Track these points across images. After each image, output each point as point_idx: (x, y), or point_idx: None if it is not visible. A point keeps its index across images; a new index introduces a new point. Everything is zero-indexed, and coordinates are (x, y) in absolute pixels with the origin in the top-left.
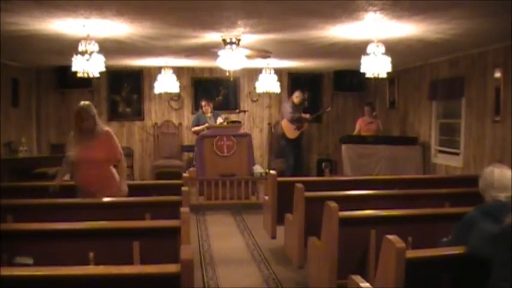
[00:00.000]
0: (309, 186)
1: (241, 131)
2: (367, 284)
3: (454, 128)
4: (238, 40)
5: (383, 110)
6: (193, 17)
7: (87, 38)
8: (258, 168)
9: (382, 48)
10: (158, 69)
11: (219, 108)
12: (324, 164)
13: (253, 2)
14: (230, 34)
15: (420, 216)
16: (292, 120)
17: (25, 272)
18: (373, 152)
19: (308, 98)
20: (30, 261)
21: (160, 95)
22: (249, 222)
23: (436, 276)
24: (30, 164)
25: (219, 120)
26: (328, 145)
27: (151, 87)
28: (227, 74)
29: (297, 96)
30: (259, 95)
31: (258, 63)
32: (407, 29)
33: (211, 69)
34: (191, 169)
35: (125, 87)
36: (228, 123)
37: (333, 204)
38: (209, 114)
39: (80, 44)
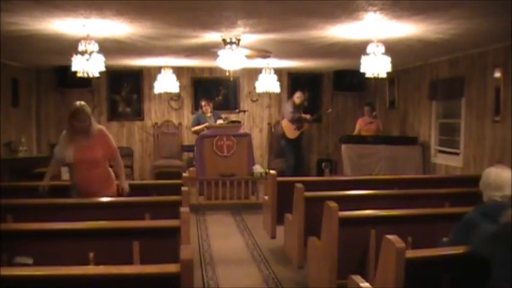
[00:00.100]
0: (309, 186)
1: (241, 130)
2: (367, 284)
3: (454, 128)
4: (238, 40)
5: (383, 110)
6: (193, 17)
7: (87, 38)
8: (257, 168)
9: (382, 48)
10: (158, 69)
11: (218, 108)
12: (323, 164)
13: (253, 2)
14: (230, 34)
15: (420, 216)
16: (292, 120)
17: (25, 272)
18: (373, 152)
19: (308, 98)
20: (30, 261)
21: (160, 94)
22: (249, 222)
23: (436, 276)
24: (30, 164)
25: (219, 121)
26: (328, 145)
27: (151, 87)
28: (227, 73)
29: (298, 97)
30: (259, 95)
31: (257, 63)
32: (407, 29)
33: (211, 69)
34: (191, 169)
35: (125, 87)
36: (227, 123)
37: (332, 204)
38: (209, 114)
39: (79, 44)
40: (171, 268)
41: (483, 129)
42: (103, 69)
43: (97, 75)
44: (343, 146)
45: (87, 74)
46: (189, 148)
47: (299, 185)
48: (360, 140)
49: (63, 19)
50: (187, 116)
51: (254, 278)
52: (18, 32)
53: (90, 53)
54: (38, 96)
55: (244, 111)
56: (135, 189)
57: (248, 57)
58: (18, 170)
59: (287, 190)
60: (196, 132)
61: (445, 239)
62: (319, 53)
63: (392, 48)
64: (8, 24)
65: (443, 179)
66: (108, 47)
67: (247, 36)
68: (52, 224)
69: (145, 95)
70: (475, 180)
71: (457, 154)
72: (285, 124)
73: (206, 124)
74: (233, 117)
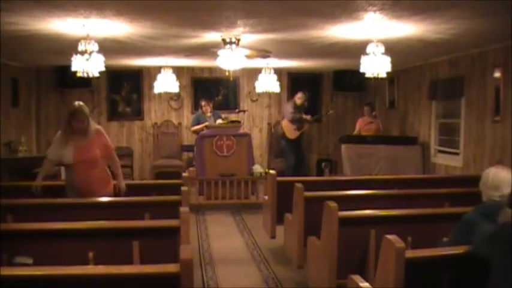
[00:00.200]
0: (309, 186)
1: (241, 130)
2: (367, 284)
3: (454, 127)
4: (238, 40)
5: (383, 110)
6: (193, 17)
7: (86, 38)
8: (257, 168)
9: (382, 48)
10: (158, 69)
11: (218, 108)
12: (323, 163)
13: (253, 2)
14: (230, 34)
15: (420, 216)
16: (292, 121)
17: (25, 271)
18: (372, 151)
19: (308, 98)
20: (29, 261)
21: (160, 94)
22: (249, 222)
23: (436, 276)
24: (30, 164)
25: (219, 121)
26: (328, 145)
27: (151, 87)
28: (227, 73)
29: (299, 98)
30: (259, 94)
31: (257, 63)
32: (407, 28)
33: (210, 69)
34: (191, 169)
35: (125, 87)
36: (227, 123)
37: (332, 204)
38: (209, 114)
39: (79, 44)
40: (171, 268)
41: (483, 129)
42: (103, 69)
43: (97, 75)
44: (343, 146)
45: (87, 73)
46: (189, 148)
47: (299, 185)
48: (360, 140)
49: (63, 19)
50: (187, 116)
51: (254, 277)
52: (18, 32)
53: (90, 53)
54: (38, 96)
55: (244, 111)
56: (134, 189)
57: (248, 57)
58: (18, 170)
59: (287, 190)
60: (196, 132)
61: (445, 239)
62: (319, 53)
63: (392, 48)
64: (8, 24)
65: (443, 179)
66: (108, 47)
67: (247, 36)
68: (52, 223)
69: (145, 95)
70: (474, 180)
71: (457, 154)
72: (285, 124)
73: (207, 123)
74: (233, 117)
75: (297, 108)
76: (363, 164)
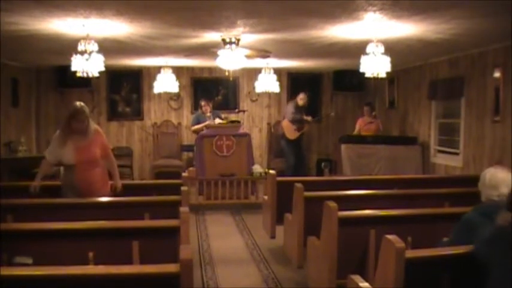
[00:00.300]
0: (309, 186)
1: (241, 130)
2: (367, 284)
3: (454, 127)
4: (238, 40)
5: (382, 109)
6: (193, 17)
7: (86, 38)
8: (257, 168)
9: (382, 48)
10: (158, 69)
11: (218, 108)
12: (323, 163)
13: (253, 2)
14: (230, 34)
15: (420, 216)
16: (293, 121)
17: (25, 271)
18: (372, 151)
19: (308, 98)
20: (29, 261)
21: (159, 94)
22: (249, 222)
23: (435, 276)
24: (29, 164)
25: (218, 120)
26: (328, 145)
27: (151, 87)
28: (226, 73)
29: (301, 99)
30: (259, 94)
31: (257, 63)
32: (407, 28)
33: (210, 69)
34: (190, 169)
35: (125, 87)
36: (227, 122)
37: (332, 204)
38: (208, 114)
39: (79, 44)
40: (171, 268)
41: (483, 129)
42: (102, 69)
43: (97, 75)
44: (343, 146)
45: (87, 73)
46: (189, 148)
47: (299, 185)
48: (360, 140)
49: (63, 19)
50: (186, 116)
51: (254, 277)
52: (18, 32)
53: (90, 53)
54: (38, 96)
55: (244, 111)
56: (134, 189)
57: (248, 57)
58: (18, 169)
59: (287, 190)
60: (196, 132)
61: (445, 239)
62: (319, 53)
63: (392, 48)
64: (8, 24)
65: (443, 179)
66: (107, 47)
67: (247, 36)
68: (52, 223)
69: (144, 95)
70: (474, 180)
71: (456, 154)
72: (286, 124)
73: (207, 123)
74: (233, 117)
75: (298, 109)
76: (363, 164)
